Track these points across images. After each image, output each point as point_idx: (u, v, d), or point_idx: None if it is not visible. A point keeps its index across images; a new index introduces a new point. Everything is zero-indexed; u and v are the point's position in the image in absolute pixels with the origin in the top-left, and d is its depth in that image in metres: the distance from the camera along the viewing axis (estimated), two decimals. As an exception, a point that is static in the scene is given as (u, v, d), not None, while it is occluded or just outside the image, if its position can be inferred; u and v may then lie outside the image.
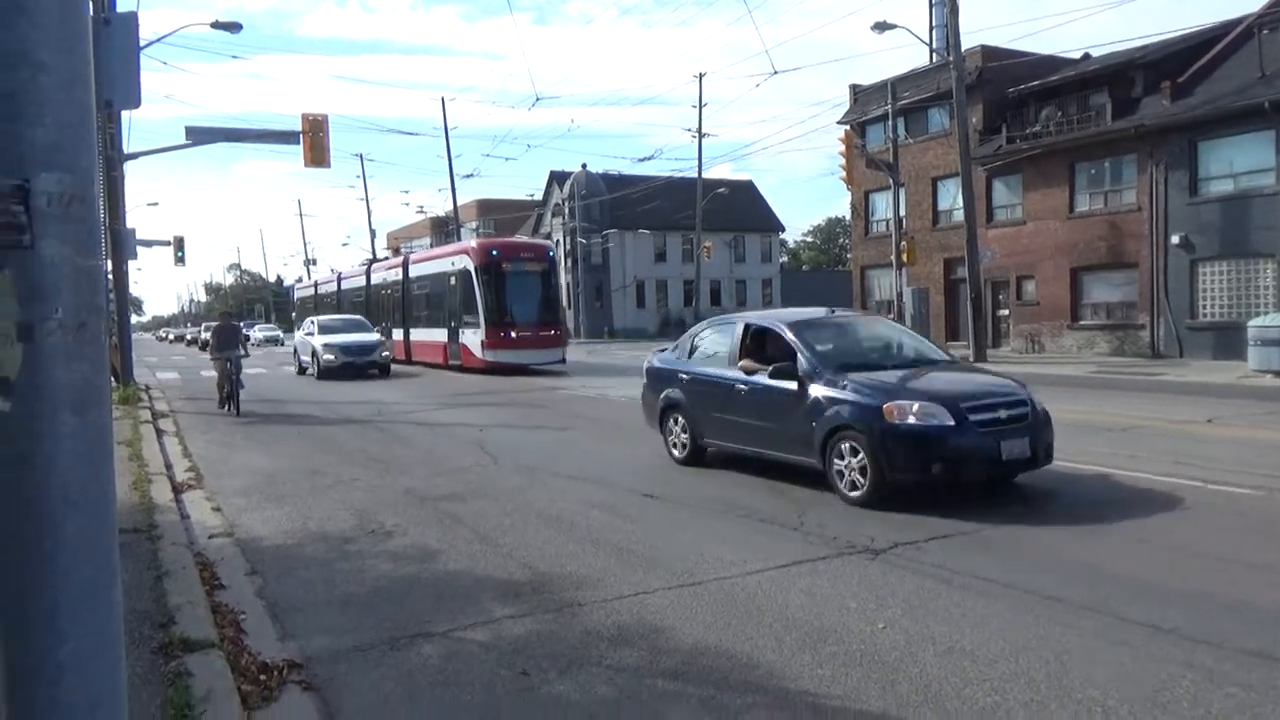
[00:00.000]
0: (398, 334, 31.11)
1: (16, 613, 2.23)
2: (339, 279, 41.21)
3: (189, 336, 62.63)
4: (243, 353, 16.61)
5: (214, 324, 19.44)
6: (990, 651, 4.37)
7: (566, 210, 55.93)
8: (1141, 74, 26.21)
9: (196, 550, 6.33)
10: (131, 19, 10.70)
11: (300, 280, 56.39)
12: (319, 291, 44.14)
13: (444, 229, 55.33)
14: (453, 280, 26.56)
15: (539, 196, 63.22)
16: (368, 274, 36.45)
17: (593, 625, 4.84)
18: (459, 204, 49.38)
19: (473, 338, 25.15)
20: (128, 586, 2.89)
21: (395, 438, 12.68)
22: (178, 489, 8.73)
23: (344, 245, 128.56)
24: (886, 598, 5.17)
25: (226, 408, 16.20)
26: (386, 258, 40.46)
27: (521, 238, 28.16)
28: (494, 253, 25.44)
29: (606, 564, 5.97)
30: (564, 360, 25.70)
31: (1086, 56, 30.02)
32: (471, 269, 25.20)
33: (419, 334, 29.63)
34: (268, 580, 5.82)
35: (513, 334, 24.59)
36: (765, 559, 6.00)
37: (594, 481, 8.94)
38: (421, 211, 64.98)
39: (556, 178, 59.80)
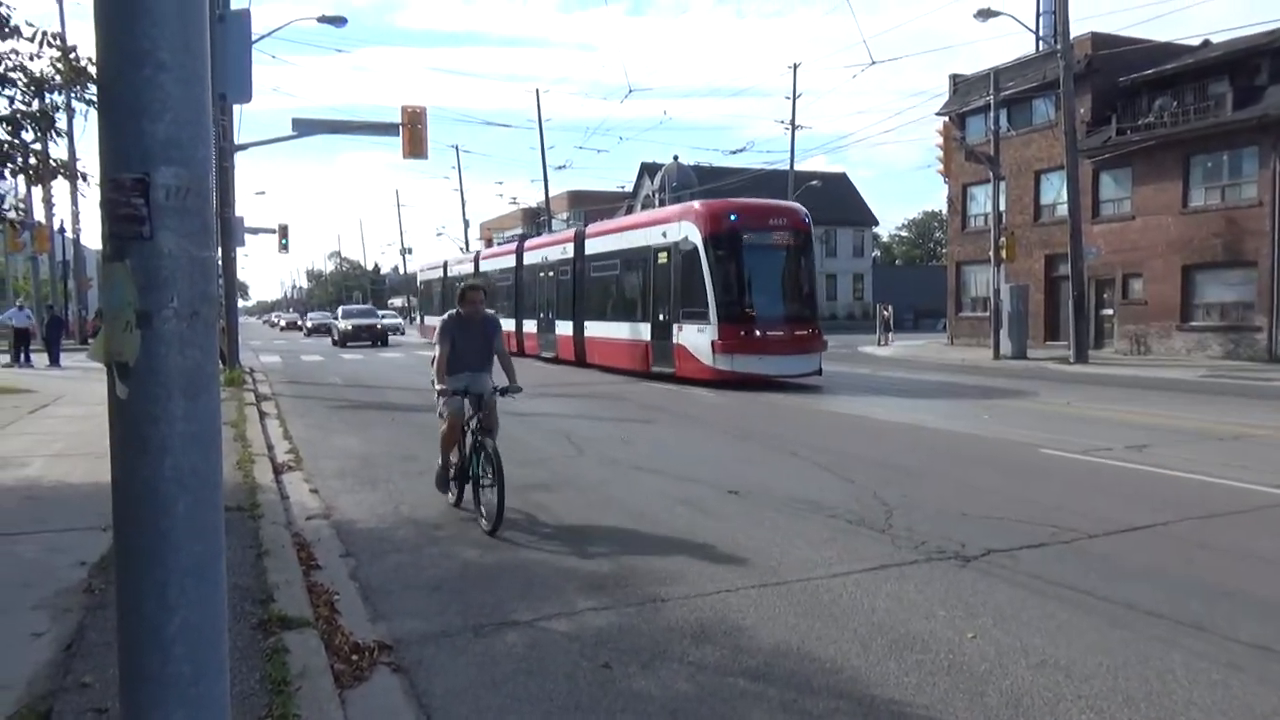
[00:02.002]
0: (563, 328, 25.20)
1: (131, 586, 2.35)
2: (477, 259, 35.11)
3: (310, 324, 57.30)
4: (510, 387, 7.21)
5: (455, 312, 7.30)
6: (1085, 667, 4.20)
7: (657, 201, 55.71)
8: (1267, 61, 24.75)
9: (295, 530, 6.57)
10: (245, 16, 11.17)
11: (429, 264, 50.49)
12: (449, 275, 37.43)
13: (535, 219, 56.05)
14: (662, 256, 19.82)
15: (630, 188, 63.44)
16: (519, 252, 29.65)
17: (675, 621, 4.84)
18: (550, 194, 49.94)
19: (697, 337, 18.35)
20: (230, 563, 3.02)
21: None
22: (278, 470, 9.07)
23: (438, 235, 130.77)
24: (977, 606, 5.03)
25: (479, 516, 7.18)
26: (539, 233, 34.55)
27: (765, 200, 20.73)
28: (732, 217, 18.58)
29: (689, 560, 5.96)
30: (820, 370, 18.79)
31: (1206, 43, 28.52)
32: (698, 241, 18.43)
33: (599, 329, 23.07)
34: (361, 562, 6.01)
35: (757, 333, 17.87)
36: (851, 561, 5.90)
37: (677, 477, 8.94)
38: (514, 202, 65.90)
39: (648, 169, 59.87)
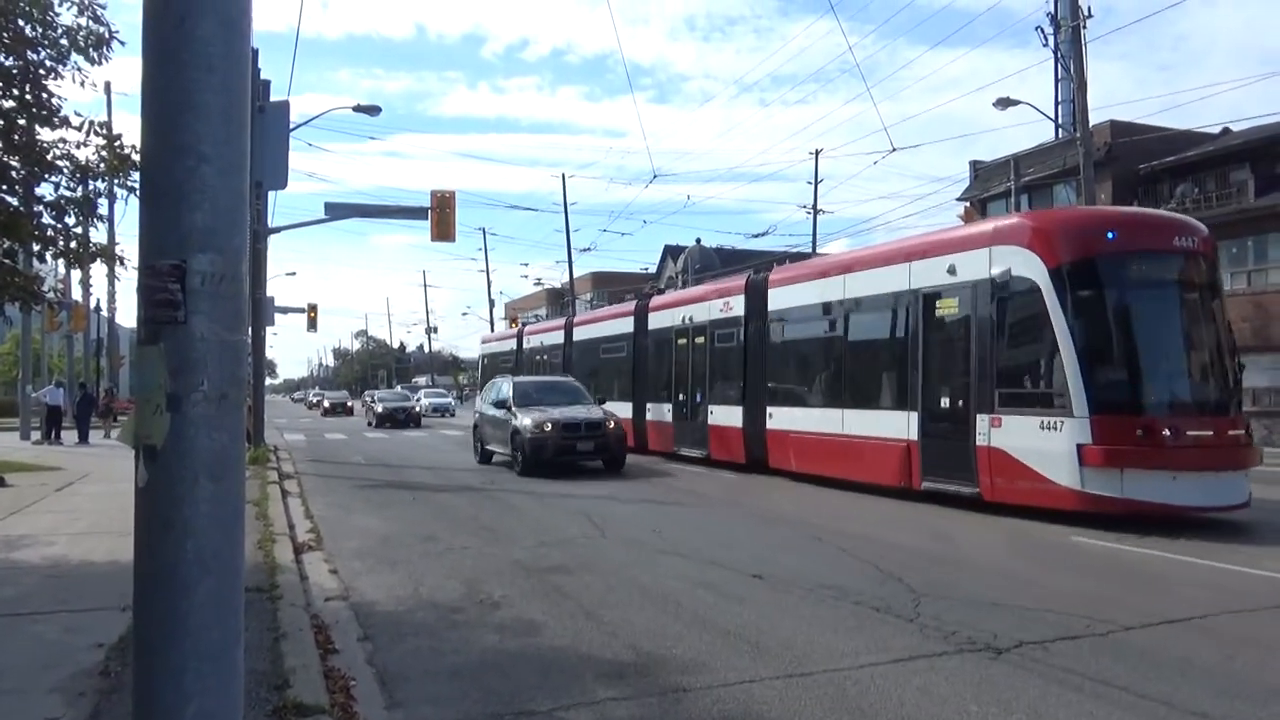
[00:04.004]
0: (725, 414, 18.01)
1: (148, 671, 2.33)
2: (568, 327, 27.83)
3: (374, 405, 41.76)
4: None
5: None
6: (1128, 769, 4.01)
7: (680, 283, 56.54)
8: (1287, 150, 24.95)
9: (313, 612, 6.51)
10: (284, 107, 11.60)
11: (493, 333, 44.99)
12: (526, 346, 31.43)
13: (560, 300, 56.76)
14: (946, 305, 12.57)
15: (653, 269, 64.21)
16: (640, 315, 22.63)
17: (697, 713, 4.70)
18: (575, 276, 50.61)
19: (1042, 439, 10.92)
20: (248, 646, 2.99)
21: (507, 507, 12.85)
22: (298, 549, 9.04)
23: (464, 315, 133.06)
24: (1010, 701, 4.85)
25: None
26: (664, 290, 29.82)
27: (1149, 210, 15.46)
28: (1109, 235, 11.40)
29: (712, 647, 5.83)
30: (1248, 500, 10.85)
31: (1226, 131, 28.83)
32: (1040, 275, 11.16)
33: (804, 418, 15.58)
34: (379, 646, 5.92)
35: (1166, 431, 10.46)
36: (878, 651, 5.74)
37: (700, 560, 8.80)
38: (539, 283, 66.87)
39: (670, 251, 60.68)
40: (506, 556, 8.97)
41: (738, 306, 18.12)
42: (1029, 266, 11.34)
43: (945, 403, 12.52)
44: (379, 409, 39.39)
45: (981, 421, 11.70)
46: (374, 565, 8.61)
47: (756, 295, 17.53)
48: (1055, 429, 10.81)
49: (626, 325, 23.36)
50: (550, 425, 16.66)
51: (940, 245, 13.08)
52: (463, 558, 8.95)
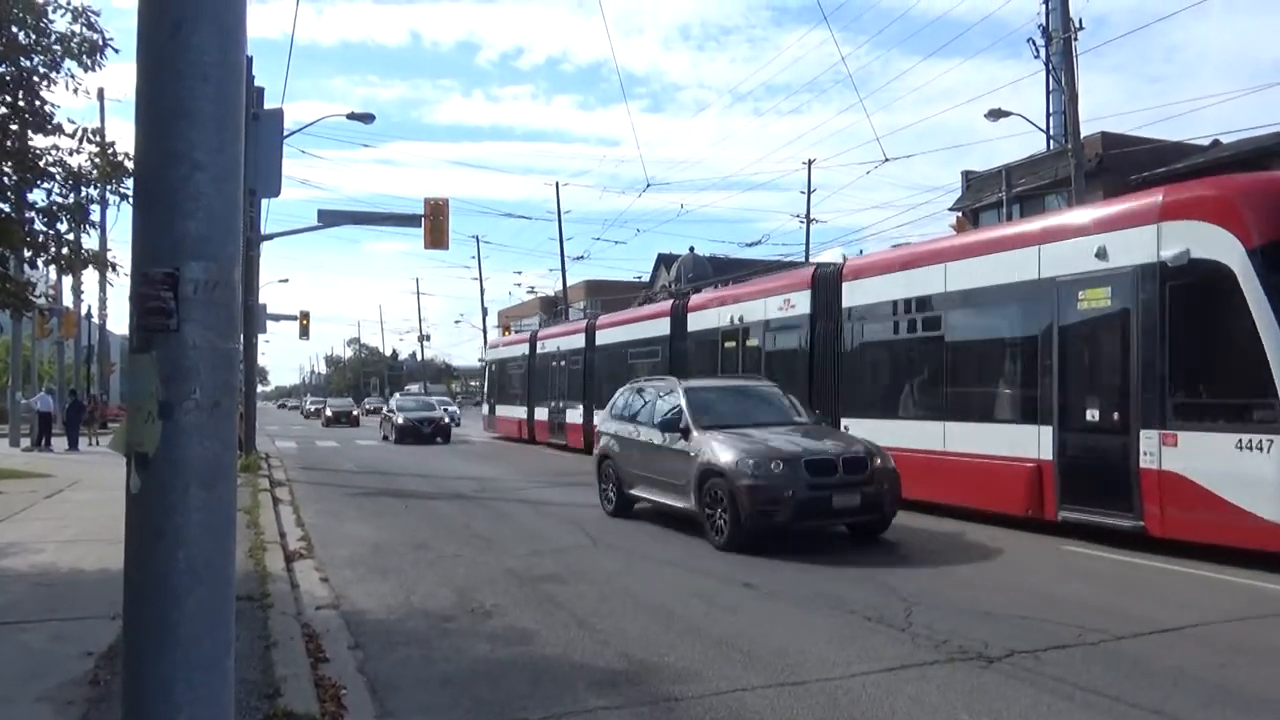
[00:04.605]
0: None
1: (137, 680, 2.32)
2: (590, 331, 25.29)
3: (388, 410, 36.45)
4: None
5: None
6: (1119, 778, 4.02)
7: (673, 291, 56.65)
8: (1277, 162, 25.11)
9: (304, 621, 6.48)
10: (278, 115, 11.60)
11: (503, 338, 39.69)
12: (539, 352, 28.80)
13: (553, 308, 56.75)
14: (1094, 297, 10.50)
15: (646, 278, 64.29)
16: (678, 315, 20.38)
17: (689, 721, 4.69)
18: (568, 284, 50.65)
19: (1243, 461, 8.81)
20: (238, 655, 2.98)
21: (499, 515, 12.82)
22: (290, 557, 9.01)
23: (456, 323, 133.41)
24: (1001, 711, 4.86)
25: None
26: (689, 292, 21.91)
27: None
28: None
29: (705, 656, 5.82)
30: None
31: (1216, 143, 29.00)
32: (1234, 257, 9.11)
33: (890, 431, 12.74)
34: (370, 655, 5.90)
35: None
36: (870, 660, 5.74)
37: (691, 569, 8.80)
38: (532, 292, 66.85)
39: (664, 260, 60.75)
40: (499, 565, 8.95)
41: (802, 303, 15.55)
42: (1218, 246, 9.17)
43: (1093, 415, 10.28)
44: (399, 420, 30.72)
45: (1148, 439, 9.50)
46: (365, 573, 8.58)
47: (827, 290, 14.98)
48: (1260, 450, 8.61)
49: (661, 327, 20.96)
50: (781, 464, 9.76)
51: (1082, 226, 10.84)
52: (455, 566, 8.93)
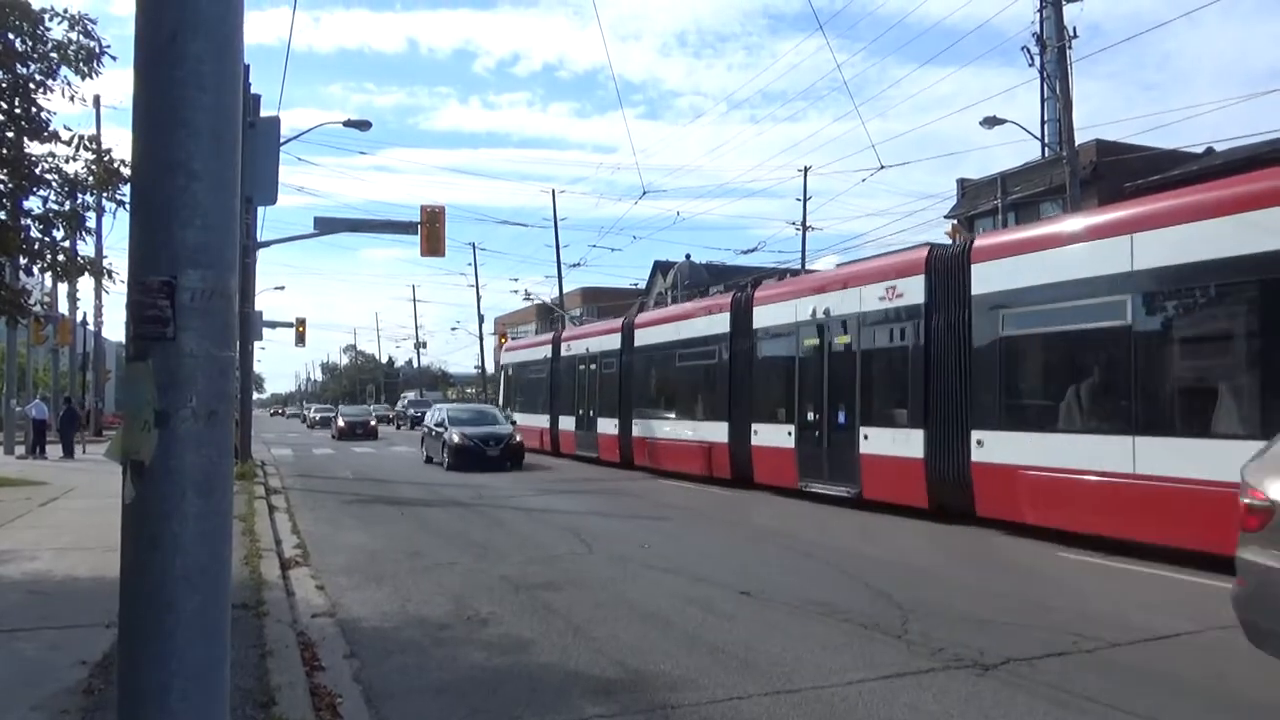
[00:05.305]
0: (884, 440, 13.39)
1: (132, 689, 2.32)
2: (627, 328, 22.86)
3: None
4: None
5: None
6: (1114, 786, 4.02)
7: (670, 299, 56.68)
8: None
9: (299, 629, 6.47)
10: (274, 123, 11.60)
11: (528, 340, 35.51)
12: (564, 353, 26.42)
13: (549, 315, 56.74)
14: None
15: (642, 285, 64.32)
16: (740, 310, 17.71)
17: (685, 729, 4.69)
18: (564, 291, 50.68)
19: None
20: (233, 663, 2.97)
21: (495, 523, 12.81)
22: (285, 565, 8.99)
23: (453, 329, 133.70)
24: (997, 719, 4.86)
25: None
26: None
27: None
28: None
29: (701, 664, 5.81)
30: None
31: (1209, 151, 29.13)
32: None
33: (1036, 446, 11.04)
34: (365, 663, 5.88)
35: None
36: (866, 668, 5.74)
37: (688, 576, 8.79)
38: (529, 298, 66.87)
39: (660, 267, 60.80)
40: (494, 572, 8.93)
41: (913, 292, 13.07)
42: None
43: None
44: (453, 438, 22.22)
45: None
46: (361, 581, 8.56)
47: (948, 275, 12.68)
48: None
49: (718, 324, 18.26)
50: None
51: None
52: (450, 574, 8.92)
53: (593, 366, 24.43)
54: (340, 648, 6.22)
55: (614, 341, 23.26)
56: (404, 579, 8.65)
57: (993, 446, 11.39)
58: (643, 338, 22.02)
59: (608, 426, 22.84)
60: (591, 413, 24.10)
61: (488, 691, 5.31)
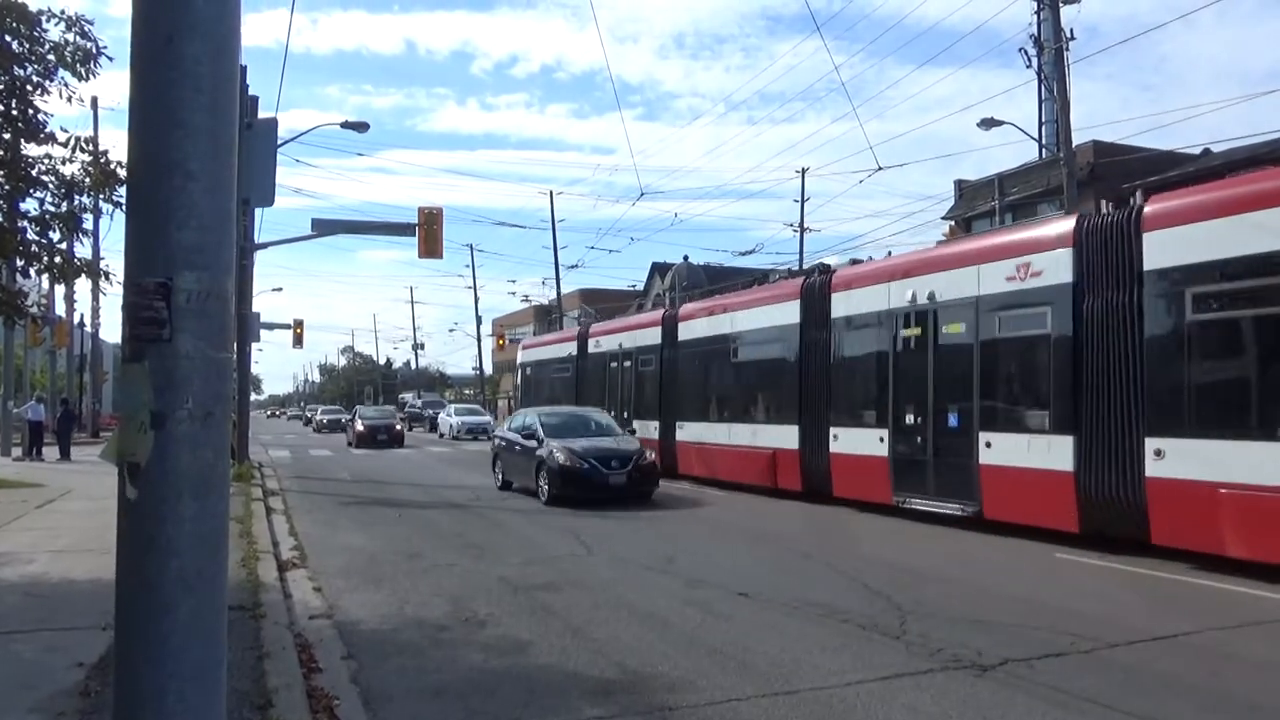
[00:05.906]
0: (1008, 447, 11.21)
1: (128, 691, 2.31)
2: (668, 320, 20.59)
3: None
4: None
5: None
6: (1113, 787, 4.02)
7: (667, 300, 56.60)
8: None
9: (297, 631, 6.46)
10: (272, 124, 11.60)
11: (545, 337, 32.12)
12: (591, 350, 24.14)
13: (547, 317, 56.75)
14: None
15: (640, 286, 64.33)
16: (813, 299, 15.40)
17: (683, 731, 4.68)
18: (562, 293, 50.68)
19: None
20: (230, 665, 2.97)
21: (494, 524, 12.80)
22: (283, 567, 8.97)
23: (450, 331, 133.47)
24: (995, 719, 4.86)
25: None
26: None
27: None
28: None
29: (699, 665, 5.81)
30: None
31: (1206, 152, 29.16)
32: None
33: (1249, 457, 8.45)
34: (363, 665, 5.88)
35: None
36: (864, 669, 5.74)
37: (686, 578, 8.79)
38: (526, 300, 66.85)
39: (658, 269, 60.80)
40: (493, 574, 8.93)
41: (1056, 269, 10.79)
42: None
43: None
44: (558, 457, 15.07)
45: None
46: (359, 583, 8.55)
47: (1107, 248, 10.25)
48: None
49: (786, 313, 15.84)
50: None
51: None
52: (448, 575, 8.91)
53: (626, 364, 22.02)
54: (338, 649, 6.21)
55: (652, 336, 20.74)
56: (402, 581, 8.64)
57: (1179, 459, 9.08)
58: (688, 330, 19.45)
59: (646, 430, 20.01)
60: (625, 414, 21.30)
61: (486, 693, 5.31)
